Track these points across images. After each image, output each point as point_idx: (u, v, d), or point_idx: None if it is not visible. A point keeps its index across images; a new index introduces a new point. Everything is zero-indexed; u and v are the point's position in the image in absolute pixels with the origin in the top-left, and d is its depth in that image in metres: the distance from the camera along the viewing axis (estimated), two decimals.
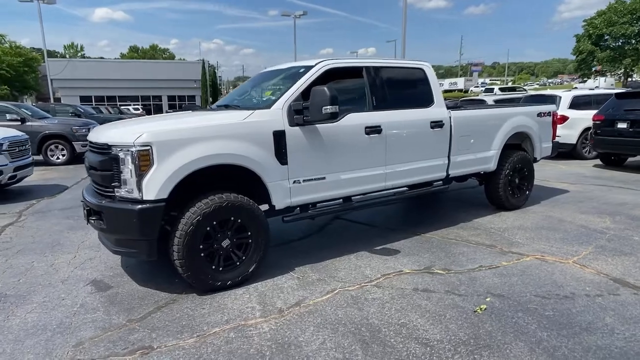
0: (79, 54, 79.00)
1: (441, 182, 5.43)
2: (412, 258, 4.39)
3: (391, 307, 3.35)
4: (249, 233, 3.79)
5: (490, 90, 36.95)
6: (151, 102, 45.30)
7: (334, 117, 3.83)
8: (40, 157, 11.87)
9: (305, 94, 4.03)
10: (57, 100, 36.80)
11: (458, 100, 15.70)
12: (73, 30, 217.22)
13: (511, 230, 5.25)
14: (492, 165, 5.81)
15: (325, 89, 3.78)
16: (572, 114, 10.96)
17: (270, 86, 4.79)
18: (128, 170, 3.36)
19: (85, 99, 40.03)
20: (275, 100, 4.04)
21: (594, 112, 10.06)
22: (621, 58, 43.82)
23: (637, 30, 41.97)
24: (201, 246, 3.54)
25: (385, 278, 3.92)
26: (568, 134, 10.97)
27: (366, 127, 4.42)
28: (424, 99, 5.08)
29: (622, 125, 9.20)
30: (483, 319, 3.15)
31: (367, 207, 4.92)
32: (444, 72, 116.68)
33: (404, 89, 5.05)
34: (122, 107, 33.38)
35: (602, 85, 37.50)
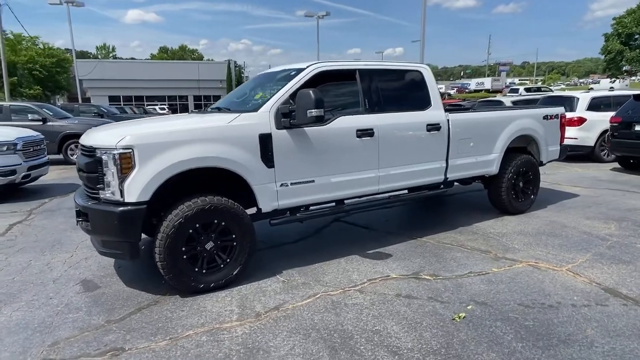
0: (111, 55, 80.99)
1: (441, 185, 5.36)
2: (402, 263, 4.34)
3: (369, 313, 3.31)
4: (234, 236, 3.81)
5: (515, 91, 36.06)
6: (177, 102, 46.19)
7: (319, 120, 3.82)
8: (60, 156, 12.28)
9: (295, 97, 4.02)
10: (87, 100, 37.87)
11: (475, 102, 15.41)
12: (106, 31, 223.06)
13: (510, 235, 5.13)
14: (494, 169, 5.68)
15: (311, 92, 3.76)
16: (590, 115, 10.64)
17: (262, 89, 4.80)
18: (111, 173, 3.42)
19: (113, 99, 41.23)
20: (262, 104, 4.04)
21: (613, 114, 9.73)
22: None
23: None
24: (183, 248, 3.58)
25: (370, 283, 3.88)
26: (586, 136, 10.67)
27: (357, 130, 4.39)
28: (421, 102, 5.00)
29: None
30: (459, 328, 3.08)
31: (360, 211, 4.88)
32: (471, 72, 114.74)
33: (399, 92, 4.98)
34: (149, 107, 34.11)
35: (616, 86, 36.07)
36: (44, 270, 4.35)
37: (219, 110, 4.76)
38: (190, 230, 3.60)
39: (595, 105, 10.86)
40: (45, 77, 36.86)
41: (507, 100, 13.97)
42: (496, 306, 3.39)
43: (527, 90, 34.48)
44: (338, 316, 3.29)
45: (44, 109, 12.30)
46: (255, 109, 4.01)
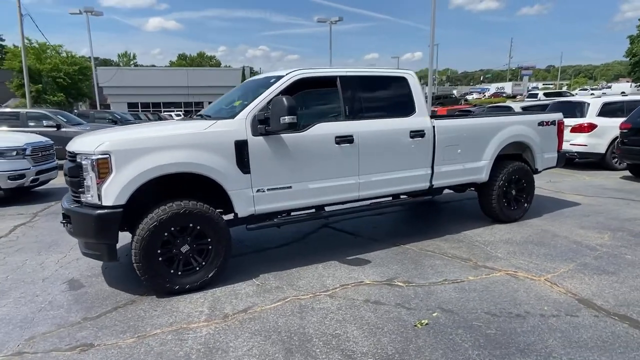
0: (132, 62, 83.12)
1: (427, 192, 5.36)
2: (379, 269, 4.37)
3: (333, 318, 3.37)
4: (209, 239, 3.92)
5: (535, 96, 35.40)
6: (193, 109, 46.93)
7: (292, 127, 3.90)
8: None
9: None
10: (107, 106, 38.91)
11: (484, 107, 15.25)
12: (128, 39, 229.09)
13: (496, 243, 5.09)
14: (483, 176, 5.65)
15: (284, 99, 3.85)
16: (601, 121, 10.40)
17: (245, 95, 4.91)
18: (90, 177, 3.58)
19: (132, 106, 42.24)
20: (240, 111, 4.15)
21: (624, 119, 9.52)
22: None
23: None
24: (159, 250, 3.71)
25: (342, 288, 3.93)
26: (596, 143, 10.43)
27: (336, 137, 4.45)
28: (405, 108, 5.03)
29: None
30: (419, 334, 3.10)
31: (341, 217, 4.92)
32: (491, 77, 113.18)
33: (382, 98, 5.01)
34: (165, 114, 34.81)
35: (628, 91, 34.92)
36: (36, 270, 4.54)
37: (201, 117, 4.89)
38: (166, 234, 3.72)
39: (607, 111, 10.61)
40: (69, 84, 38.10)
41: (516, 106, 13.75)
42: (462, 314, 3.39)
43: (547, 95, 33.78)
44: (302, 320, 3.35)
45: (58, 116, 12.72)
46: (232, 116, 4.12)
